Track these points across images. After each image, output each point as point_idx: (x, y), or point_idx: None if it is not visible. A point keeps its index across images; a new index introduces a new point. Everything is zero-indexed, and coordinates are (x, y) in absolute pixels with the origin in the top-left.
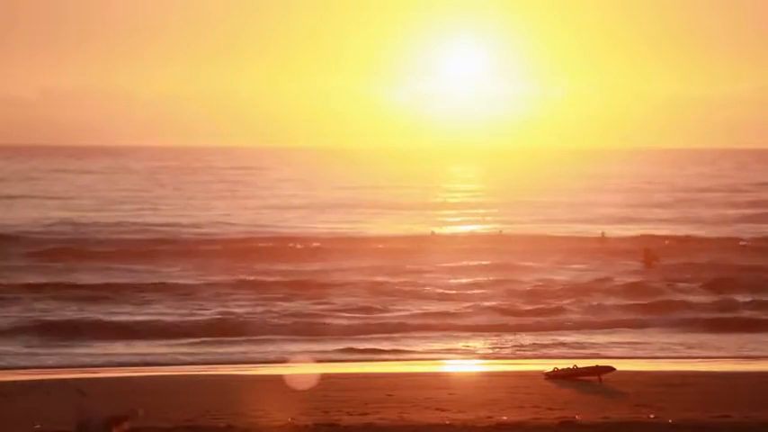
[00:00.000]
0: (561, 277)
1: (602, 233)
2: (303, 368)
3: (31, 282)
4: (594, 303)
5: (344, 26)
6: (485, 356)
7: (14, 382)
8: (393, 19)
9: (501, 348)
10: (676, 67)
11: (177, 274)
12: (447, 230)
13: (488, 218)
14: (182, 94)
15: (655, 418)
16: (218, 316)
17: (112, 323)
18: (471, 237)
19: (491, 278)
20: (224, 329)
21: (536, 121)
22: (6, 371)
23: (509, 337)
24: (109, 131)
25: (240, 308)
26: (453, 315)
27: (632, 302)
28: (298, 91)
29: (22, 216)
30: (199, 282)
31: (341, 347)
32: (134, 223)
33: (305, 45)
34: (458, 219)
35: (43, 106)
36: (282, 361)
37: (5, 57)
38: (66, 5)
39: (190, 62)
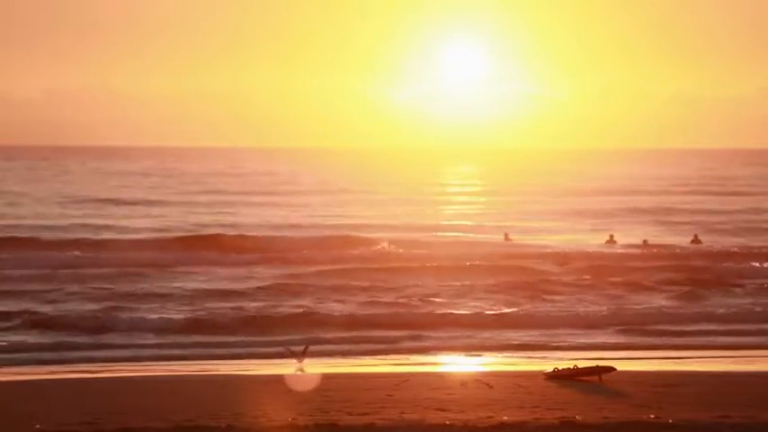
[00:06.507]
0: None
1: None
2: (303, 368)
3: None
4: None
5: (345, 26)
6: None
7: (14, 382)
8: (394, 19)
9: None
10: (678, 66)
11: None
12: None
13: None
14: (182, 95)
15: (655, 418)
16: None
17: None
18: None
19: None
20: None
21: (536, 122)
22: (7, 371)
23: None
24: (112, 132)
25: None
26: None
27: None
28: (298, 91)
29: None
30: None
31: None
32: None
33: (305, 45)
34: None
35: (47, 107)
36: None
37: (8, 58)
38: (69, 5)
39: (190, 62)
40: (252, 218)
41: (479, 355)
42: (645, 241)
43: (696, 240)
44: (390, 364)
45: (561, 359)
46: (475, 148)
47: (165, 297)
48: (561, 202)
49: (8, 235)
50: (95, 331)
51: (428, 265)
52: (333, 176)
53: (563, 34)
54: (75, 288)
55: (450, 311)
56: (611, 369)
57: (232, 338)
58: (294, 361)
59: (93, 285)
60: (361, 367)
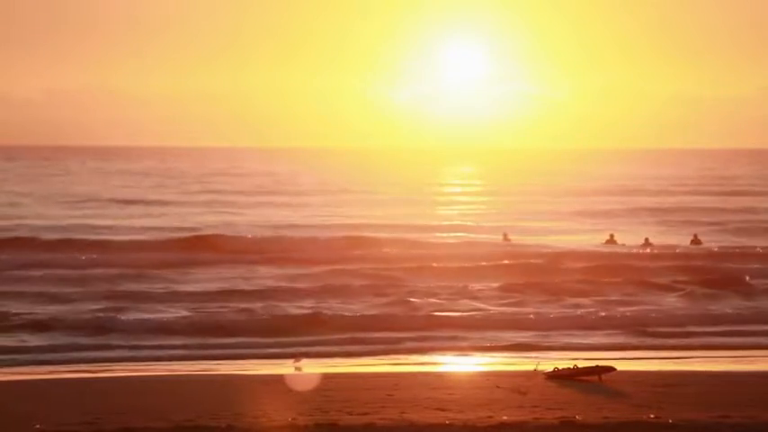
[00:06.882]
0: None
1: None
2: (305, 367)
3: None
4: None
5: (345, 26)
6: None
7: (14, 381)
8: (394, 19)
9: None
10: (678, 66)
11: None
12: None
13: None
14: (182, 95)
15: (655, 418)
16: None
17: None
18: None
19: None
20: None
21: (536, 122)
22: (7, 371)
23: None
24: (112, 132)
25: None
26: None
27: None
28: (298, 91)
29: None
30: None
31: None
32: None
33: (305, 45)
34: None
35: (47, 107)
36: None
37: (8, 58)
38: (69, 5)
39: (190, 62)
40: (252, 218)
41: (479, 356)
42: (647, 239)
43: (696, 240)
44: (390, 364)
45: (561, 359)
46: (475, 148)
47: (165, 297)
48: (561, 202)
49: (8, 235)
50: (95, 331)
51: (427, 265)
52: (333, 176)
53: (563, 34)
54: (75, 288)
55: (450, 312)
56: (611, 369)
57: (232, 339)
58: (291, 360)
59: (93, 286)
60: (361, 367)
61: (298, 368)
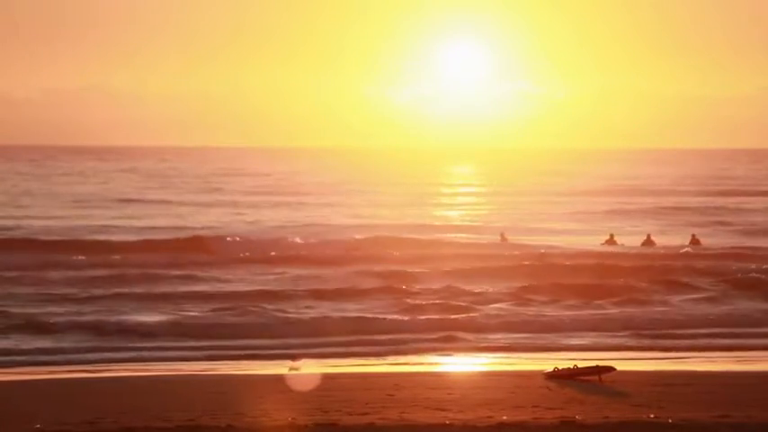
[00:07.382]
0: None
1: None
2: (303, 368)
3: None
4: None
5: (345, 26)
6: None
7: (14, 381)
8: (394, 19)
9: None
10: (678, 66)
11: None
12: None
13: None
14: (182, 95)
15: (655, 417)
16: None
17: None
18: None
19: None
20: None
21: (536, 122)
22: (7, 371)
23: None
24: (112, 132)
25: None
26: None
27: None
28: (298, 91)
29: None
30: None
31: None
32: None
33: (305, 45)
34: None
35: (47, 107)
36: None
37: (8, 58)
38: (68, 5)
39: (190, 62)
40: (253, 218)
41: (478, 356)
42: (649, 236)
43: (695, 240)
44: (390, 365)
45: (561, 359)
46: (475, 148)
47: (166, 298)
48: (560, 201)
49: (8, 235)
50: (95, 332)
51: (426, 266)
52: (333, 177)
53: (563, 34)
54: (75, 288)
55: (448, 312)
56: (611, 369)
57: (234, 341)
58: (289, 360)
59: (93, 286)
60: (361, 367)
61: (295, 368)
